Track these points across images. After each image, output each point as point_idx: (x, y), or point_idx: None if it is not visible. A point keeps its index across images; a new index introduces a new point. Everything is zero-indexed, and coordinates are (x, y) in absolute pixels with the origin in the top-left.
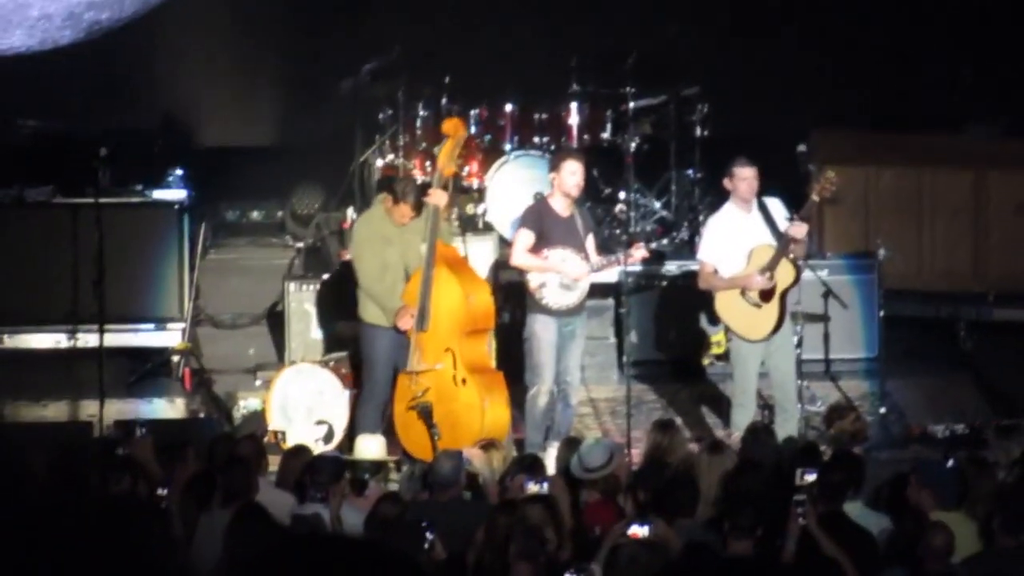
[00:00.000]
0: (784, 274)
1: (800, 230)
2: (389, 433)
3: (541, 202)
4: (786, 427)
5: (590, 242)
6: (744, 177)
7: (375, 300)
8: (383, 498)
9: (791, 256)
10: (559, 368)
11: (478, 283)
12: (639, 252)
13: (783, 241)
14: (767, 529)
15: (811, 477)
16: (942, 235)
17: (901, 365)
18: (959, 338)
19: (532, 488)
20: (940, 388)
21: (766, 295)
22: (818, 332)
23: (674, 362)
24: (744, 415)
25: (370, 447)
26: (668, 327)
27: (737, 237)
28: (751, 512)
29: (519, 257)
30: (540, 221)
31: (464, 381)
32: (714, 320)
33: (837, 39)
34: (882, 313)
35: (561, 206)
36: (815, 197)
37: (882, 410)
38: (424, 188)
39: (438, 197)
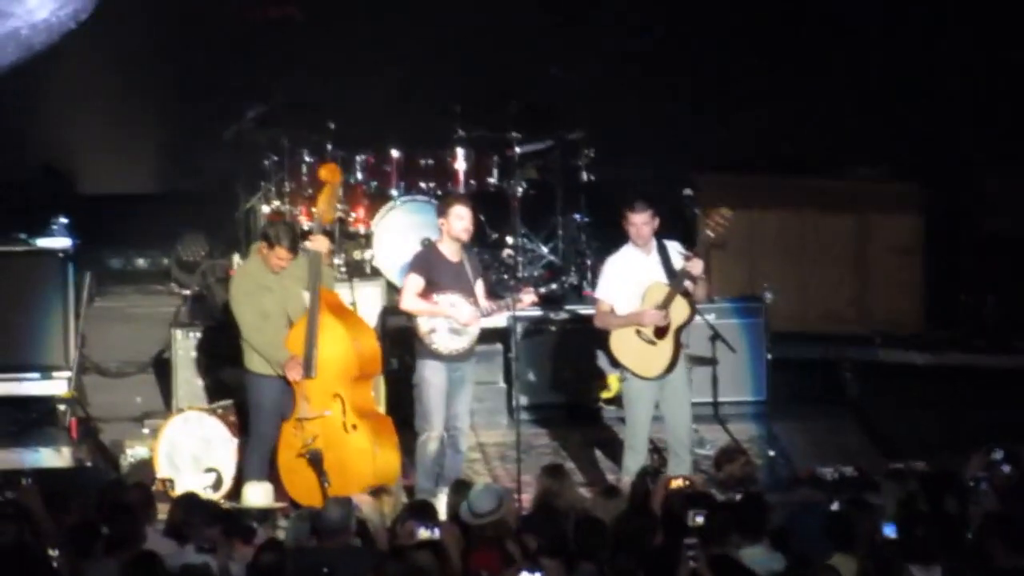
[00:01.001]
0: (679, 311)
1: (696, 266)
2: (275, 480)
3: (430, 247)
4: (679, 471)
5: (479, 287)
6: (633, 222)
7: (258, 350)
8: (264, 546)
9: (689, 293)
10: (449, 413)
11: (363, 328)
12: (528, 297)
13: (679, 278)
14: (658, 573)
15: (701, 519)
16: (826, 278)
17: (788, 408)
18: (845, 380)
19: (423, 534)
20: (827, 431)
21: (660, 332)
22: (706, 375)
23: (565, 406)
24: (636, 459)
25: (257, 494)
26: (558, 371)
27: (634, 277)
28: (637, 556)
29: (409, 302)
30: (429, 266)
31: (354, 427)
32: (607, 361)
33: (720, 82)
34: (769, 356)
35: (450, 251)
36: (709, 233)
37: (771, 453)
38: (304, 233)
39: (319, 243)
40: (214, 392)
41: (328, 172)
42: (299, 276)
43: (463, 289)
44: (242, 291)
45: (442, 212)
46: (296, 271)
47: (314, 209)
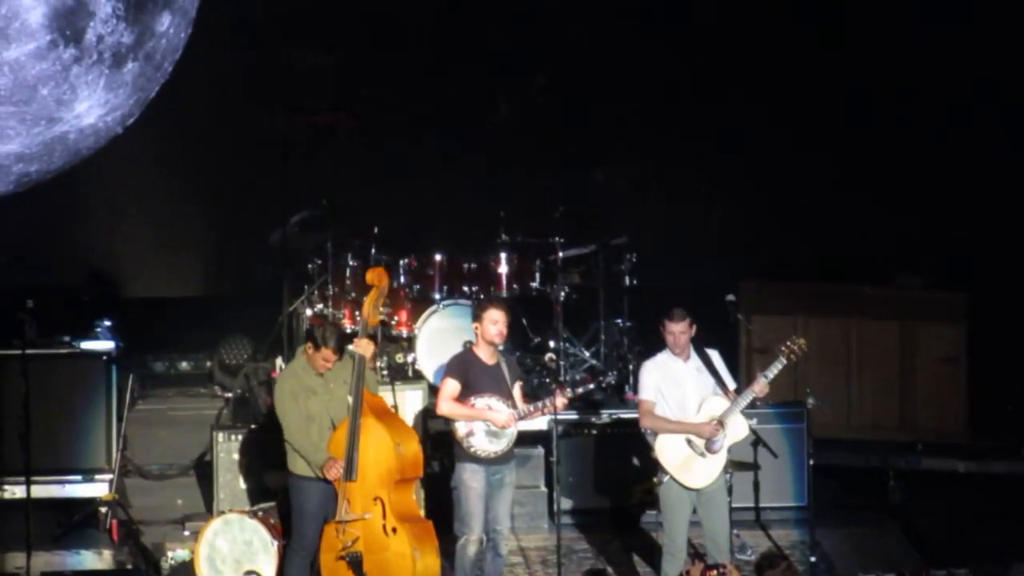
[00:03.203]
0: (737, 429)
1: (763, 388)
2: None
3: (467, 351)
4: None
5: (517, 390)
6: (671, 330)
7: (301, 453)
8: None
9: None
10: (488, 517)
11: (406, 432)
12: (561, 399)
13: (742, 397)
14: None
15: None
16: (870, 385)
17: (830, 514)
18: (888, 487)
19: None
20: (870, 537)
21: (716, 447)
22: (748, 480)
23: (605, 511)
24: (674, 564)
25: None
26: (599, 474)
27: (672, 381)
28: None
29: (445, 405)
30: (465, 369)
31: (394, 530)
32: (646, 466)
33: (764, 191)
34: (811, 462)
35: (486, 354)
36: (783, 360)
37: (812, 559)
38: (349, 336)
39: (364, 346)
40: (255, 495)
41: (375, 276)
42: (343, 379)
43: (500, 392)
44: (287, 392)
45: (477, 316)
46: (341, 374)
47: (359, 313)
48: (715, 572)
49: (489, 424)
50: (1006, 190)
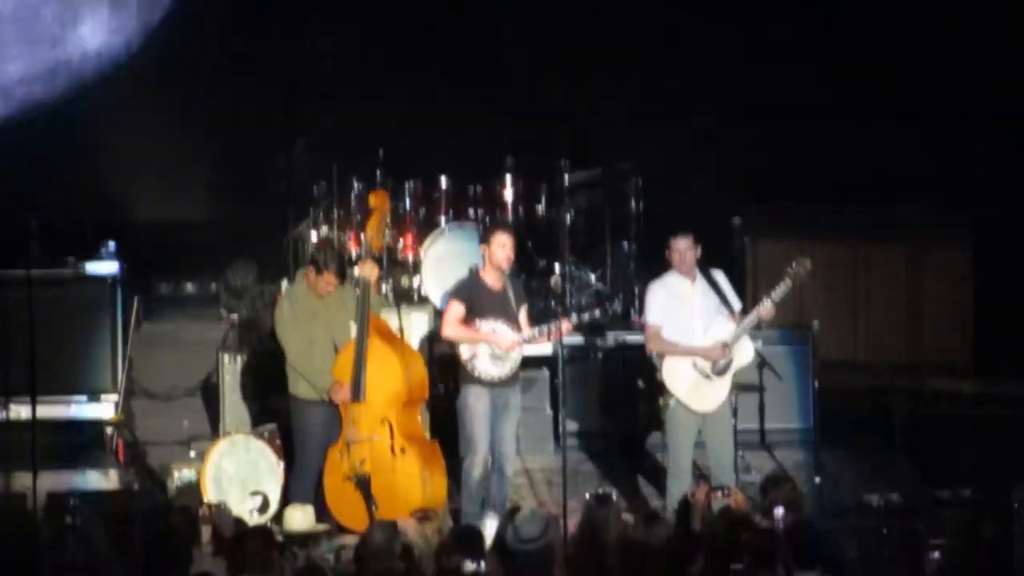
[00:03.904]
0: (744, 353)
1: (769, 311)
2: (321, 505)
3: (473, 275)
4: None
5: (522, 314)
6: (677, 248)
7: (305, 377)
8: (303, 570)
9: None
10: (494, 439)
11: (412, 354)
12: (566, 324)
13: (750, 320)
14: None
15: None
16: (876, 309)
17: (836, 436)
18: (893, 410)
19: (469, 567)
20: (874, 459)
21: (722, 369)
22: (753, 402)
23: (610, 433)
24: (679, 485)
25: (298, 518)
26: (604, 397)
27: (678, 303)
28: None
29: (449, 329)
30: (470, 293)
31: (403, 451)
32: (652, 389)
33: (773, 113)
34: (816, 384)
35: (492, 279)
36: (789, 282)
37: (817, 480)
38: (352, 260)
39: (368, 270)
40: (261, 416)
41: (378, 199)
42: (346, 303)
43: (505, 316)
44: (288, 316)
45: (484, 239)
46: (343, 298)
47: (363, 236)
48: (720, 494)
49: (493, 348)
50: (1015, 111)
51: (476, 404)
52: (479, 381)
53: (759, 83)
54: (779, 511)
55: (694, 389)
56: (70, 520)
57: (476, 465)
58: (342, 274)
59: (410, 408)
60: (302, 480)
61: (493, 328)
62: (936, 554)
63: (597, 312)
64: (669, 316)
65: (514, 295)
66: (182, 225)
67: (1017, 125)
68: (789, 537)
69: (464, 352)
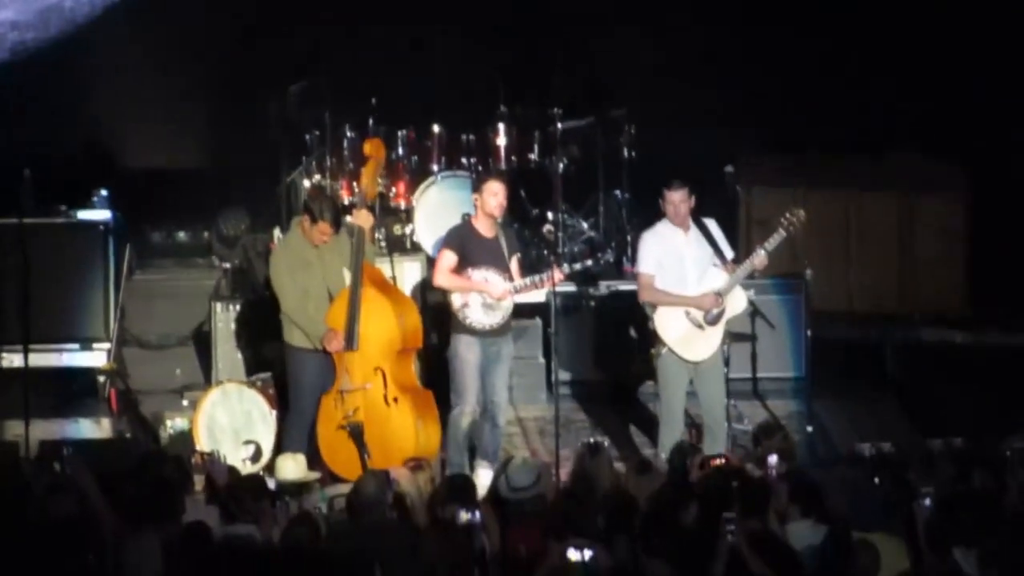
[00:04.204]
0: (737, 302)
1: (763, 261)
2: (315, 453)
3: (465, 223)
4: (714, 447)
5: (514, 263)
6: (671, 200)
7: (299, 326)
8: (296, 519)
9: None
10: (486, 388)
11: (406, 303)
12: (559, 273)
13: (742, 270)
14: (696, 548)
15: None
16: (869, 258)
17: (828, 385)
18: (886, 359)
19: (464, 517)
20: (866, 408)
21: (714, 319)
22: (745, 351)
23: (603, 382)
24: (671, 435)
25: (290, 467)
26: (597, 346)
27: (671, 253)
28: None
29: (441, 277)
30: (462, 242)
31: (396, 400)
32: (644, 338)
33: (765, 62)
34: (809, 333)
35: (484, 227)
36: (783, 232)
37: (809, 429)
38: (346, 208)
39: (363, 218)
40: (254, 365)
41: (372, 147)
42: (340, 251)
43: (497, 265)
44: (283, 265)
45: (477, 188)
46: (337, 246)
47: (356, 184)
48: (717, 461)
49: (485, 296)
50: (1009, 58)
51: (467, 354)
52: (471, 330)
53: (752, 33)
54: (772, 459)
55: (686, 338)
56: (59, 467)
57: (464, 415)
58: (337, 223)
59: (404, 357)
60: (295, 429)
61: (485, 277)
62: (927, 502)
63: (590, 261)
64: (663, 266)
65: (507, 244)
66: (175, 173)
67: (1012, 70)
68: (781, 486)
69: (456, 301)
